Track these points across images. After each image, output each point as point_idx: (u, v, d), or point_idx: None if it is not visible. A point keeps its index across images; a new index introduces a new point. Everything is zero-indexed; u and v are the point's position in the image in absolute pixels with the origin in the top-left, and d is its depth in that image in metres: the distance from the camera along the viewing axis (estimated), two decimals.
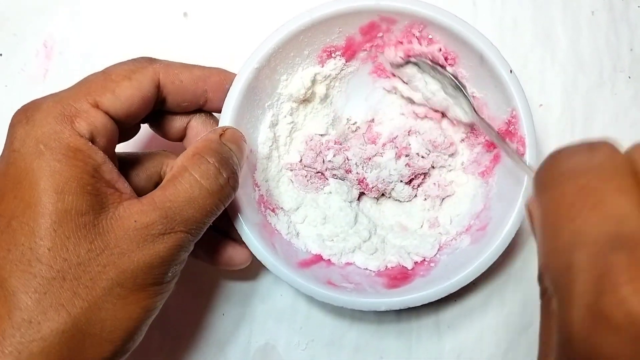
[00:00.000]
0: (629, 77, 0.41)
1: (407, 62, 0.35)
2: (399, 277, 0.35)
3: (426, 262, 0.35)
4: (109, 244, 0.25)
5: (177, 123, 0.32)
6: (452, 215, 0.37)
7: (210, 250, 0.33)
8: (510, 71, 0.32)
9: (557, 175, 0.18)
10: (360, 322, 0.39)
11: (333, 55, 0.36)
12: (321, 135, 0.38)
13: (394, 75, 0.37)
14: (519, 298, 0.39)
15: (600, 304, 0.15)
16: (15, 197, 0.24)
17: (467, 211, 0.36)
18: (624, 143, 0.43)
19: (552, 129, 0.40)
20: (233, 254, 0.33)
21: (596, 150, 0.18)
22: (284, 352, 0.38)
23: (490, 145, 0.35)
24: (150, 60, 0.30)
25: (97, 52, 0.41)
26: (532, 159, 0.32)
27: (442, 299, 0.32)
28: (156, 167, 0.32)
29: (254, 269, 0.39)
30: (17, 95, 0.40)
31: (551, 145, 0.40)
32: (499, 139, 0.32)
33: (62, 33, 0.41)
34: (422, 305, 0.38)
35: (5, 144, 0.26)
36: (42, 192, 0.24)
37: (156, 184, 0.32)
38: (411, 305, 0.32)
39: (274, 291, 0.39)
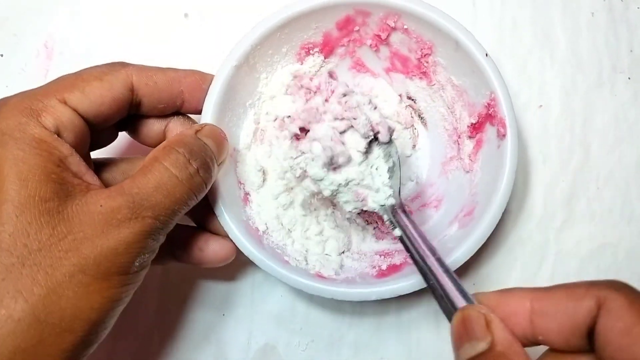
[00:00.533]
0: (629, 78, 0.41)
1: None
2: (388, 266, 0.35)
3: None
4: (72, 229, 0.24)
5: (155, 127, 0.32)
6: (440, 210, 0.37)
7: (193, 247, 0.33)
8: (486, 54, 0.32)
9: None
10: (360, 322, 0.39)
11: (311, 52, 0.36)
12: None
13: None
14: None
15: None
16: None
17: (455, 202, 0.36)
18: (624, 143, 0.44)
19: (551, 129, 0.41)
20: (217, 249, 0.33)
21: None
22: (283, 353, 0.38)
23: (473, 131, 0.35)
24: (124, 64, 0.30)
25: (97, 53, 0.41)
26: (513, 139, 0.32)
27: None
28: (132, 169, 0.32)
29: (253, 270, 0.39)
30: None
31: (551, 145, 0.40)
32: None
33: (63, 33, 0.41)
34: (421, 305, 0.38)
35: None
36: (5, 179, 0.24)
37: None
38: (401, 293, 0.31)
39: (273, 292, 0.39)
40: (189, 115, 0.33)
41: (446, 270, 0.26)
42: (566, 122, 0.41)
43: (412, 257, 0.28)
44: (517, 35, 0.41)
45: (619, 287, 0.21)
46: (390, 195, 0.30)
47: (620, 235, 0.40)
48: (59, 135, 0.26)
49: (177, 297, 0.38)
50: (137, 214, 0.25)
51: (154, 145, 0.32)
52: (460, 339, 0.22)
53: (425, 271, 0.27)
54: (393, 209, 0.30)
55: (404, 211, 0.30)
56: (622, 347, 0.20)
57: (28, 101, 0.26)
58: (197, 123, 0.33)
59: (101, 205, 0.25)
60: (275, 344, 0.38)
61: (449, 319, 0.24)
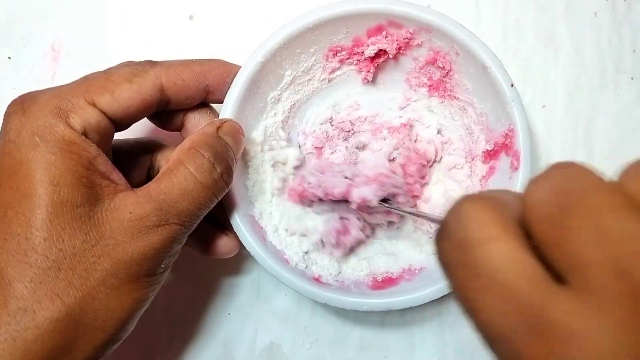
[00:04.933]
0: (632, 78, 0.41)
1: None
2: (385, 279, 0.35)
3: (413, 268, 0.36)
4: (103, 235, 0.25)
5: (175, 114, 0.32)
6: None
7: (200, 238, 0.33)
8: (512, 85, 0.32)
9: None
10: (364, 321, 0.39)
11: (338, 55, 0.36)
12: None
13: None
14: None
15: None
16: (11, 187, 0.25)
17: None
18: (627, 144, 0.44)
19: (554, 130, 0.41)
20: (222, 243, 0.33)
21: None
22: (288, 352, 0.39)
23: (487, 157, 0.36)
24: (152, 64, 0.30)
25: (103, 55, 0.41)
26: (526, 173, 0.32)
27: (444, 297, 0.32)
28: (147, 156, 0.33)
29: (258, 269, 0.39)
30: None
31: (554, 145, 0.41)
32: None
33: (70, 35, 0.42)
34: (425, 305, 0.38)
35: (0, 134, 0.27)
36: (38, 184, 0.24)
37: (148, 173, 0.33)
38: (393, 309, 0.32)
39: (278, 291, 0.39)
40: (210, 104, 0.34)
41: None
42: (569, 122, 0.41)
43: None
44: (520, 35, 0.42)
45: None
46: None
47: None
48: (85, 135, 0.27)
49: (183, 296, 0.39)
50: (165, 220, 0.26)
51: (173, 130, 0.33)
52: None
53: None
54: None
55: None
56: None
57: (57, 100, 0.26)
58: (214, 110, 0.33)
59: (130, 212, 0.26)
60: (280, 342, 0.39)
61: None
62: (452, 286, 0.18)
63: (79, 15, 0.42)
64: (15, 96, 0.40)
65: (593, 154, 0.40)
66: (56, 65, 0.41)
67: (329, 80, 0.38)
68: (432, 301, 0.37)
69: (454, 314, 0.39)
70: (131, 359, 0.38)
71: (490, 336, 0.16)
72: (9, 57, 0.41)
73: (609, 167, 0.42)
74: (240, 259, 0.39)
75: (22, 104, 0.26)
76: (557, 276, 0.16)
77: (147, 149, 0.33)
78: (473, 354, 0.38)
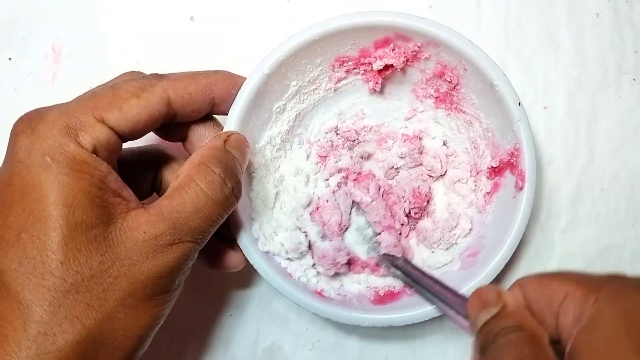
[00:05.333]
0: (634, 79, 0.41)
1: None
2: (386, 293, 0.35)
3: None
4: (119, 256, 0.25)
5: (179, 126, 0.32)
6: (448, 242, 0.37)
7: (207, 252, 0.33)
8: (519, 103, 0.32)
9: None
10: None
11: (345, 65, 0.36)
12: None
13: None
14: None
15: None
16: (24, 210, 0.25)
17: (463, 238, 0.37)
18: (629, 144, 0.43)
19: (556, 131, 0.41)
20: (228, 257, 0.34)
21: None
22: (290, 353, 0.39)
23: (492, 174, 0.36)
24: (159, 77, 0.30)
25: (104, 56, 0.41)
26: (530, 194, 0.32)
27: None
28: (152, 166, 0.32)
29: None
30: (26, 98, 0.41)
31: (556, 146, 0.41)
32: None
33: (70, 37, 0.41)
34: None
35: (7, 153, 0.26)
36: (51, 206, 0.24)
37: (153, 183, 0.33)
38: (394, 325, 0.32)
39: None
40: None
41: (451, 290, 0.30)
42: (571, 123, 0.41)
43: (416, 291, 0.32)
44: (521, 36, 0.41)
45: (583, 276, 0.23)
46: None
47: (626, 237, 0.40)
48: (95, 153, 0.26)
49: (185, 297, 0.39)
50: (179, 239, 0.26)
51: (176, 141, 0.33)
52: (477, 309, 0.24)
53: (430, 298, 0.31)
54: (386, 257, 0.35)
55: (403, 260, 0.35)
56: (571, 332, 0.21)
57: (66, 118, 0.26)
58: (218, 122, 0.33)
59: (144, 232, 0.26)
60: (282, 343, 0.39)
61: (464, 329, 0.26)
62: None
63: (80, 16, 0.42)
64: (16, 97, 0.41)
65: (594, 154, 0.40)
66: (57, 66, 0.41)
67: (335, 90, 0.37)
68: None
69: None
70: None
71: None
72: (10, 58, 0.41)
73: (610, 168, 0.43)
74: None
75: (29, 122, 0.26)
76: None
77: (151, 158, 0.33)
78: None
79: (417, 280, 0.33)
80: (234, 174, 0.29)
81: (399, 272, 0.34)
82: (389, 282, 0.36)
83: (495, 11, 0.42)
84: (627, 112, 0.41)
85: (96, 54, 0.41)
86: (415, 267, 0.34)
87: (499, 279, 0.40)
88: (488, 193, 0.36)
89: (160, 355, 0.38)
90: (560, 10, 0.42)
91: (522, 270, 0.39)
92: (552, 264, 0.39)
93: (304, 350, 0.39)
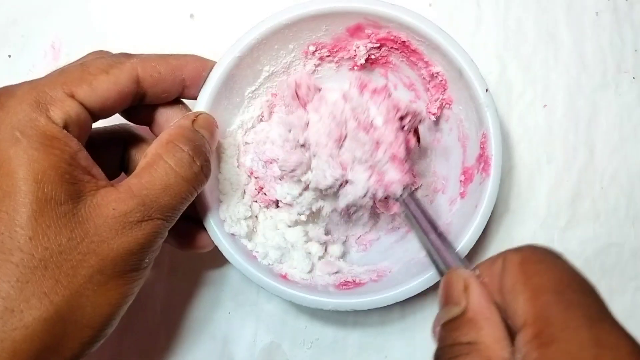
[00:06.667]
0: (633, 78, 0.41)
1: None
2: (352, 282, 0.35)
3: (381, 270, 0.36)
4: (88, 232, 0.25)
5: (146, 108, 0.32)
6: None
7: (176, 233, 0.33)
8: (487, 90, 0.32)
9: None
10: (365, 321, 0.39)
11: (319, 51, 0.36)
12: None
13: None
14: None
15: None
16: None
17: None
18: (628, 143, 0.43)
19: (555, 129, 0.41)
20: (198, 238, 0.34)
21: None
22: (289, 351, 0.38)
23: (466, 170, 0.35)
24: (127, 56, 0.30)
25: None
26: (496, 181, 0.32)
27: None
28: (119, 145, 0.32)
29: None
30: None
31: (555, 145, 0.40)
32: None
33: (70, 34, 0.42)
34: (426, 305, 0.38)
35: None
36: (21, 181, 0.24)
37: (121, 163, 0.33)
38: (358, 309, 0.32)
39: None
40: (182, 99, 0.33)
41: (444, 239, 0.28)
42: (570, 121, 0.41)
43: (416, 231, 0.30)
44: (521, 35, 0.41)
45: (522, 247, 0.22)
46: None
47: (625, 235, 0.40)
48: (66, 129, 0.26)
49: (183, 295, 0.39)
50: (148, 216, 0.26)
51: (143, 124, 0.33)
52: (441, 299, 0.24)
53: (427, 244, 0.29)
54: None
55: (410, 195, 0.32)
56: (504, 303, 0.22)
57: (35, 93, 0.26)
58: (186, 105, 0.33)
59: (114, 209, 0.26)
60: (280, 342, 0.39)
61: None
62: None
63: (80, 14, 0.42)
64: None
65: (594, 153, 0.40)
66: (56, 64, 0.41)
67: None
68: (433, 301, 0.37)
69: None
70: (131, 359, 0.38)
71: None
72: (9, 56, 0.41)
73: (609, 167, 0.43)
74: None
75: None
76: None
77: (118, 138, 0.33)
78: None
79: (418, 220, 0.30)
80: (203, 152, 0.29)
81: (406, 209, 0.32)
82: (356, 270, 0.36)
83: (495, 10, 0.42)
84: (627, 110, 0.41)
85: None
86: (419, 206, 0.31)
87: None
88: (462, 182, 0.35)
89: (158, 353, 0.38)
90: (560, 9, 0.42)
91: None
92: None
93: (303, 348, 0.39)
